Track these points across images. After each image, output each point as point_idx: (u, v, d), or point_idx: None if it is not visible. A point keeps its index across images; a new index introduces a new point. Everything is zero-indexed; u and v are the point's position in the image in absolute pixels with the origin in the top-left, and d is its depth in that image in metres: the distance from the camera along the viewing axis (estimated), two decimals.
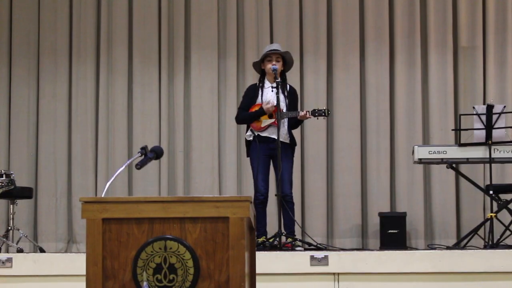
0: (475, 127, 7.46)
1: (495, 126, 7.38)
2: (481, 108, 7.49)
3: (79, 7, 9.16)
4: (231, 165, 8.97)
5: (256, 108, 7.17)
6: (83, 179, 9.02)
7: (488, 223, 7.31)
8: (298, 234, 7.38)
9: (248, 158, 7.30)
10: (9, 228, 7.78)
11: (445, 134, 8.83)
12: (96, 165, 9.04)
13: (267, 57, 7.19)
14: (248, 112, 7.22)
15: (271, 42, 8.68)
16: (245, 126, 7.48)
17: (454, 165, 7.68)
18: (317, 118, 7.20)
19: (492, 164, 7.52)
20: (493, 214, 7.31)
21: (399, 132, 8.96)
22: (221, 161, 9.01)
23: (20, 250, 7.40)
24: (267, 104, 7.05)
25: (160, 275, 3.33)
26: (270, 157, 7.15)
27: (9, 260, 6.21)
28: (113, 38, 9.14)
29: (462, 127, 7.57)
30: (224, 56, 9.12)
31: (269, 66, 7.12)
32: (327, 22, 9.12)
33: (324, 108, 7.31)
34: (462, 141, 7.50)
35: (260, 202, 7.10)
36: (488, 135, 7.39)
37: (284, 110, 7.11)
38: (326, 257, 6.06)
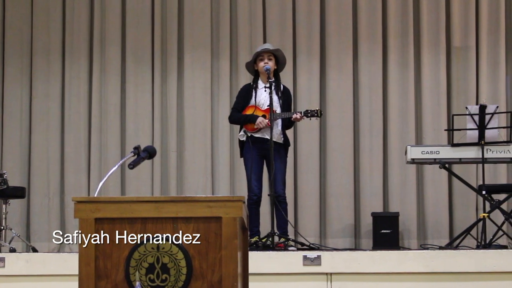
0: (468, 127, 7.47)
1: (488, 127, 7.40)
2: (474, 108, 7.50)
3: (72, 6, 9.14)
4: (224, 165, 8.96)
5: (250, 111, 7.16)
6: (76, 178, 9.00)
7: (480, 223, 7.33)
8: (291, 234, 7.38)
9: (242, 158, 7.30)
10: (2, 227, 7.76)
11: (438, 134, 8.84)
12: (89, 165, 9.03)
13: (259, 56, 7.18)
14: (241, 114, 7.20)
15: (264, 42, 8.68)
16: (238, 126, 7.48)
17: (447, 165, 7.70)
18: (310, 119, 7.21)
19: (485, 164, 7.54)
20: (485, 214, 7.33)
21: (392, 132, 8.96)
22: (214, 161, 9.00)
23: (12, 250, 7.38)
24: (261, 122, 7.03)
25: (153, 275, 3.33)
26: (264, 157, 7.14)
27: (2, 259, 6.20)
28: (106, 37, 9.12)
29: (455, 127, 7.58)
30: (217, 56, 9.11)
31: (261, 65, 7.11)
32: (320, 22, 9.11)
33: (317, 108, 7.29)
34: (455, 141, 7.51)
35: (253, 202, 7.10)
36: (481, 135, 7.41)
37: (278, 111, 7.10)
38: (319, 257, 6.07)
